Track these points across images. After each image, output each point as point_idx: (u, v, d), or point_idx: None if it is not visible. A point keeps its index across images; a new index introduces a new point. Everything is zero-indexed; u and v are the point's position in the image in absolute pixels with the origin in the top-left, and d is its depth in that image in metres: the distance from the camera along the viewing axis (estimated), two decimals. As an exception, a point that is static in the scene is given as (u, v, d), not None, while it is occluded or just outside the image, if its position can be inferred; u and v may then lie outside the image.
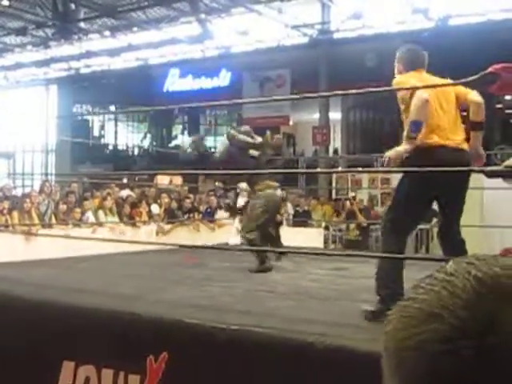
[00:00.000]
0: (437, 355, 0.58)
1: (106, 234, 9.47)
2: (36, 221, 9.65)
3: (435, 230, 12.73)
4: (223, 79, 22.25)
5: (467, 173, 3.62)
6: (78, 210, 10.37)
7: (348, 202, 12.69)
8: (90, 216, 10.42)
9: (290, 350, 2.80)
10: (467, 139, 3.73)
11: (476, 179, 9.54)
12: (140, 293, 4.19)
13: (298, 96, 13.55)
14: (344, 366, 2.64)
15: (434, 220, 12.89)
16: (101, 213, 10.68)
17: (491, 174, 3.36)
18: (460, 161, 3.48)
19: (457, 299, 0.60)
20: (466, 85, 3.15)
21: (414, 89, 3.47)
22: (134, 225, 10.62)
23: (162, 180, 13.82)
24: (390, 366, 0.63)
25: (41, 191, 11.04)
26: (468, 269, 0.62)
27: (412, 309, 0.62)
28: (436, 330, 0.59)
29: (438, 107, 3.61)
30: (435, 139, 3.53)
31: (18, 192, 13.58)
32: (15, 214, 9.48)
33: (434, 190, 3.62)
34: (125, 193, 12.53)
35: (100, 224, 10.03)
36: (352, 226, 11.97)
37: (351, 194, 13.06)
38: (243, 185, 7.82)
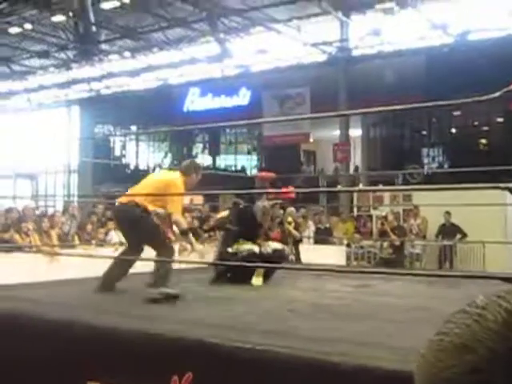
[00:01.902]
0: None
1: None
2: (55, 241, 9.72)
3: (459, 245, 12.67)
4: (243, 98, 22.34)
5: None
6: (101, 230, 10.44)
7: (380, 223, 12.60)
8: (113, 235, 10.47)
9: (315, 370, 2.77)
10: None
11: (498, 196, 9.49)
12: (163, 312, 4.19)
13: (317, 115, 13.55)
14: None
15: (458, 236, 12.85)
16: (113, 233, 10.71)
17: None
18: None
19: (488, 331, 0.62)
20: (487, 101, 3.12)
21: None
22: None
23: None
24: None
25: (64, 212, 11.13)
26: (498, 302, 0.65)
27: (445, 342, 0.64)
28: (468, 361, 0.60)
29: None
30: None
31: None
32: (35, 234, 9.56)
33: None
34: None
35: (122, 244, 10.05)
36: (385, 244, 11.91)
37: (382, 214, 12.97)
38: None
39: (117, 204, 5.79)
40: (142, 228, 5.17)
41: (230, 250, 6.11)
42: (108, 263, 5.66)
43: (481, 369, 0.59)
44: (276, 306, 4.62)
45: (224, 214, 6.88)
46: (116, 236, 10.50)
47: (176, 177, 5.51)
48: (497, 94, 2.93)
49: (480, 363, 0.60)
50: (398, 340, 3.24)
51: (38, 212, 12.70)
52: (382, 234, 12.07)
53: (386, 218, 12.21)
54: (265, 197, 7.20)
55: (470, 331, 0.62)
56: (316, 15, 18.59)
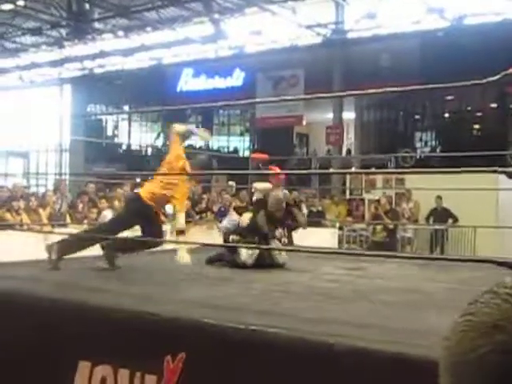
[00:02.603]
0: (500, 365, 0.58)
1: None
2: (44, 219, 9.68)
3: (450, 230, 12.71)
4: (237, 79, 22.24)
5: None
6: (93, 210, 10.40)
7: (373, 207, 12.57)
8: (108, 215, 10.43)
9: (309, 351, 2.77)
10: None
11: (491, 180, 9.51)
12: (156, 292, 4.18)
13: (311, 96, 13.52)
14: (365, 368, 2.61)
15: (450, 221, 12.89)
16: (109, 212, 10.69)
17: (513, 175, 3.30)
18: None
19: None
20: (487, 84, 3.11)
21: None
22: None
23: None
24: (452, 380, 0.63)
25: (55, 190, 11.08)
26: None
27: (473, 322, 0.63)
28: (500, 341, 0.59)
29: None
30: None
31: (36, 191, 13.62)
32: (24, 213, 9.52)
33: None
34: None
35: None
36: (379, 227, 11.91)
37: (375, 198, 12.94)
38: (258, 184, 7.77)
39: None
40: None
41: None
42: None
43: None
44: (270, 287, 4.62)
45: (246, 216, 6.50)
46: (111, 215, 10.47)
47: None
48: (495, 78, 2.90)
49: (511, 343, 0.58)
50: (391, 321, 3.24)
51: (28, 191, 12.64)
52: (376, 217, 12.07)
53: (379, 201, 12.21)
54: (279, 187, 7.06)
55: (500, 310, 0.61)
56: (312, -3, 18.47)
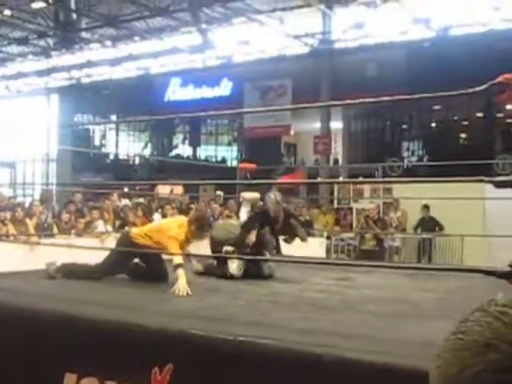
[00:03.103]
0: None
1: (109, 244, 9.40)
2: (31, 229, 9.60)
3: (438, 239, 12.74)
4: (224, 89, 22.28)
5: None
6: (81, 220, 10.33)
7: (363, 220, 12.54)
8: (99, 226, 10.37)
9: (297, 362, 2.76)
10: None
11: (477, 189, 9.55)
12: (144, 304, 4.16)
13: (298, 106, 13.55)
14: (353, 379, 2.60)
15: (437, 230, 12.93)
16: (101, 223, 10.64)
17: (500, 185, 3.32)
18: None
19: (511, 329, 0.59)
20: (473, 94, 3.12)
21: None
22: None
23: (163, 189, 13.79)
24: None
25: (42, 200, 11.00)
26: None
27: (465, 341, 0.61)
28: (493, 360, 0.58)
29: None
30: None
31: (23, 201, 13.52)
32: (10, 224, 9.43)
33: None
34: (125, 202, 12.50)
35: (106, 233, 9.97)
36: (368, 236, 11.91)
37: (368, 206, 12.85)
38: (246, 194, 7.77)
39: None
40: None
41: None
42: (87, 253, 5.65)
43: (505, 368, 0.57)
44: (258, 297, 4.61)
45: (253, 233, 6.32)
46: (102, 225, 10.43)
47: (179, 221, 5.58)
48: (483, 87, 2.92)
49: (505, 362, 0.57)
50: (380, 332, 3.24)
51: (14, 201, 12.54)
52: (366, 225, 12.08)
53: (368, 216, 12.22)
54: (274, 188, 6.98)
55: (491, 329, 0.60)
56: (299, 7, 18.53)
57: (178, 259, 5.06)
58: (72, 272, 5.50)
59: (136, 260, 5.71)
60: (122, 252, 5.62)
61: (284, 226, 6.33)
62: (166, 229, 5.42)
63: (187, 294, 4.68)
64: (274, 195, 6.24)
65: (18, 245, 8.51)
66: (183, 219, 5.65)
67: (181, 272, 4.91)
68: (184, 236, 5.35)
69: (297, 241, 6.79)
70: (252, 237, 5.96)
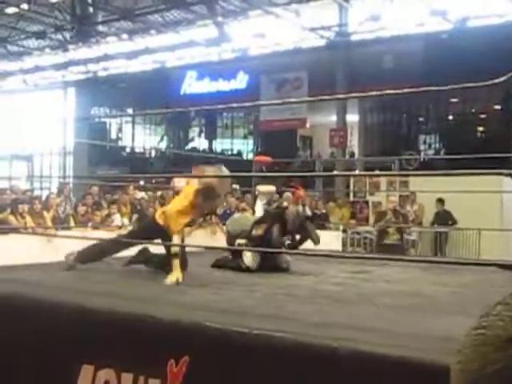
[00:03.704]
0: None
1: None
2: (49, 222, 9.68)
3: (454, 232, 12.66)
4: (240, 82, 22.26)
5: None
6: (98, 212, 10.39)
7: (390, 213, 12.39)
8: (116, 219, 10.44)
9: (313, 355, 2.75)
10: None
11: (495, 183, 9.48)
12: (160, 296, 4.17)
13: (315, 98, 13.51)
14: (369, 372, 2.60)
15: (450, 223, 12.85)
16: (118, 216, 10.71)
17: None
18: None
19: None
20: (491, 86, 3.09)
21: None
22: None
23: (179, 182, 13.80)
24: None
25: (59, 193, 11.08)
26: None
27: (487, 336, 0.59)
28: None
29: None
30: None
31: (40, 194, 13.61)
32: (28, 216, 9.51)
33: None
34: (141, 195, 12.59)
35: (123, 227, 10.04)
36: (392, 229, 11.80)
37: (391, 205, 12.66)
38: (262, 187, 7.76)
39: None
40: None
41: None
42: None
43: None
44: (274, 290, 4.61)
45: (262, 226, 6.35)
46: (119, 219, 10.49)
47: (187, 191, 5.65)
48: (502, 79, 2.89)
49: None
50: (395, 325, 3.23)
51: (31, 194, 12.63)
52: (395, 220, 11.93)
53: (395, 204, 12.05)
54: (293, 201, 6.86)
55: None
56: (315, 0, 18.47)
57: (175, 248, 5.13)
58: (88, 256, 5.56)
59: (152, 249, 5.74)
60: (142, 231, 5.67)
61: (298, 229, 6.33)
62: (172, 205, 5.60)
63: (177, 283, 4.80)
64: (294, 207, 6.25)
65: (36, 237, 8.59)
66: (192, 188, 5.67)
67: (176, 263, 4.99)
68: (188, 203, 5.42)
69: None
70: (259, 230, 5.97)
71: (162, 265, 5.41)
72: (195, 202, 5.41)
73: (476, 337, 0.61)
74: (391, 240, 11.74)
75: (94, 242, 5.88)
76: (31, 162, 28.06)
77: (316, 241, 6.39)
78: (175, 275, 4.86)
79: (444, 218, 12.91)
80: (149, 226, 5.73)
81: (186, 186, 5.96)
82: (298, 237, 6.48)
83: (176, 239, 5.22)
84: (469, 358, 0.60)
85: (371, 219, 14.10)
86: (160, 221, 5.45)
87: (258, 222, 6.11)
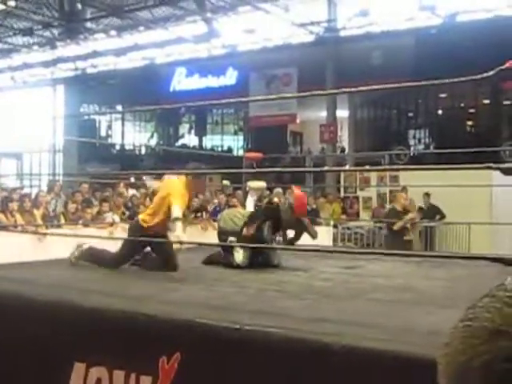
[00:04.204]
0: (503, 373, 0.55)
1: (119, 234, 9.42)
2: (39, 220, 9.65)
3: (444, 227, 12.69)
4: (230, 78, 22.24)
5: None
6: (88, 210, 10.36)
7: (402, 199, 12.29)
8: (107, 216, 10.41)
9: (305, 350, 2.76)
10: None
11: (484, 177, 9.52)
12: (151, 293, 4.17)
13: (304, 94, 13.51)
14: (361, 367, 2.61)
15: (437, 217, 12.88)
16: (109, 213, 10.69)
17: (508, 172, 3.31)
18: None
19: None
20: (480, 81, 3.10)
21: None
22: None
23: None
24: None
25: (49, 191, 11.04)
26: None
27: (474, 328, 0.59)
28: (503, 347, 0.56)
29: None
30: None
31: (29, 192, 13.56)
32: (17, 214, 9.48)
33: None
34: (132, 192, 12.56)
35: (114, 225, 10.02)
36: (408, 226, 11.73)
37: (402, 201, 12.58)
38: (252, 183, 7.76)
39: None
40: None
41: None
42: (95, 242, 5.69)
43: None
44: (265, 286, 4.61)
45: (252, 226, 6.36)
46: (110, 216, 10.47)
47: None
48: (491, 73, 2.90)
49: None
50: (386, 320, 3.24)
51: (20, 191, 12.58)
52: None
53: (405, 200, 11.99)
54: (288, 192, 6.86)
55: (501, 315, 0.58)
56: (304, -5, 18.46)
57: (176, 213, 5.22)
58: (93, 257, 5.61)
59: (147, 249, 5.73)
60: (133, 240, 5.67)
61: (295, 225, 6.31)
62: (166, 187, 5.65)
63: (181, 246, 5.18)
64: (286, 201, 6.22)
65: (26, 235, 8.56)
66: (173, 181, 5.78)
67: (179, 225, 5.23)
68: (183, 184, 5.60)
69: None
70: (250, 229, 5.95)
71: (158, 265, 5.42)
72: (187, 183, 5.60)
73: (463, 329, 0.61)
74: (409, 236, 11.64)
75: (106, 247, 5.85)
76: (21, 159, 27.93)
77: (314, 235, 6.39)
78: (180, 234, 5.14)
79: (430, 212, 12.94)
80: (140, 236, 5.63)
81: (167, 181, 5.93)
82: (289, 232, 6.47)
83: (177, 209, 5.27)
84: (456, 350, 0.60)
85: (362, 214, 14.11)
86: (148, 223, 5.50)
87: (249, 220, 6.08)
